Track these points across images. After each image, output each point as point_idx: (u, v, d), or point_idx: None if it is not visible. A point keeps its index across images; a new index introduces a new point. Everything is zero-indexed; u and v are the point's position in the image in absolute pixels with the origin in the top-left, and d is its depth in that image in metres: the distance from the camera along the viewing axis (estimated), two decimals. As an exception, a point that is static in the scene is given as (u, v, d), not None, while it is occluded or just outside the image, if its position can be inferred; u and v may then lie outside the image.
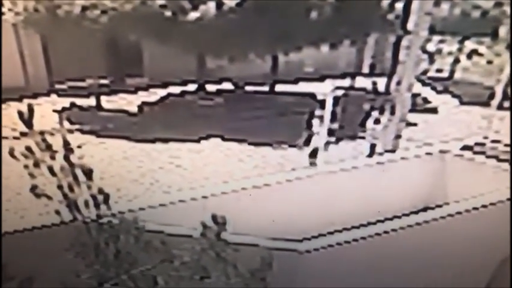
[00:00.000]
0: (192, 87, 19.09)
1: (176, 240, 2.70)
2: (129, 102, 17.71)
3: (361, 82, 19.92)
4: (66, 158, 2.46)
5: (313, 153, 7.75)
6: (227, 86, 20.24)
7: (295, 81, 20.78)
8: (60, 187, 2.46)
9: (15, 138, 10.43)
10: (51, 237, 3.18)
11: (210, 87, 19.25)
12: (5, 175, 9.66)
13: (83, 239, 2.57)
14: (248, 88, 19.84)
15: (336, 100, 11.18)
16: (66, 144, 2.47)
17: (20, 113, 2.38)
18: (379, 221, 4.56)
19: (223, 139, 12.48)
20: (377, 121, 9.04)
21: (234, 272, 2.59)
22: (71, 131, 13.26)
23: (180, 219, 4.21)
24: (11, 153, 2.34)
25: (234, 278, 2.58)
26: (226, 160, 11.06)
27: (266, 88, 19.24)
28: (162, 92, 19.19)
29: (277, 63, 19.08)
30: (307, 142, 11.47)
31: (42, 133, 2.41)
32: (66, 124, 14.39)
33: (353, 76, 20.99)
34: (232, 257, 2.58)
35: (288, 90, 19.58)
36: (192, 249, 2.57)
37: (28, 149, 2.35)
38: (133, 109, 16.77)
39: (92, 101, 16.75)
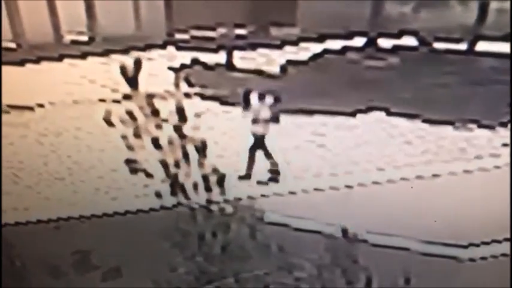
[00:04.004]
0: (359, 41, 19.46)
1: (300, 243, 3.04)
2: (270, 60, 18.18)
3: None
4: (178, 128, 2.72)
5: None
6: (408, 41, 20.19)
7: (508, 39, 20.03)
8: (164, 163, 2.75)
9: (115, 101, 11.26)
10: (146, 223, 3.70)
11: (384, 43, 19.44)
12: (99, 146, 10.70)
13: (185, 227, 2.94)
14: (438, 45, 19.60)
15: None
16: (180, 111, 2.75)
17: (123, 68, 2.65)
18: None
19: (389, 113, 12.54)
20: None
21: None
22: (188, 96, 14.09)
23: (313, 212, 4.69)
24: (107, 118, 2.74)
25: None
26: (387, 141, 10.99)
27: (463, 46, 18.85)
28: (316, 48, 19.57)
29: (486, 11, 18.55)
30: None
31: (150, 96, 2.70)
32: (184, 86, 15.03)
33: None
34: (361, 275, 2.80)
35: (495, 51, 18.97)
36: (317, 260, 2.84)
37: (129, 113, 2.59)
38: (275, 70, 17.19)
39: (221, 57, 17.52)
